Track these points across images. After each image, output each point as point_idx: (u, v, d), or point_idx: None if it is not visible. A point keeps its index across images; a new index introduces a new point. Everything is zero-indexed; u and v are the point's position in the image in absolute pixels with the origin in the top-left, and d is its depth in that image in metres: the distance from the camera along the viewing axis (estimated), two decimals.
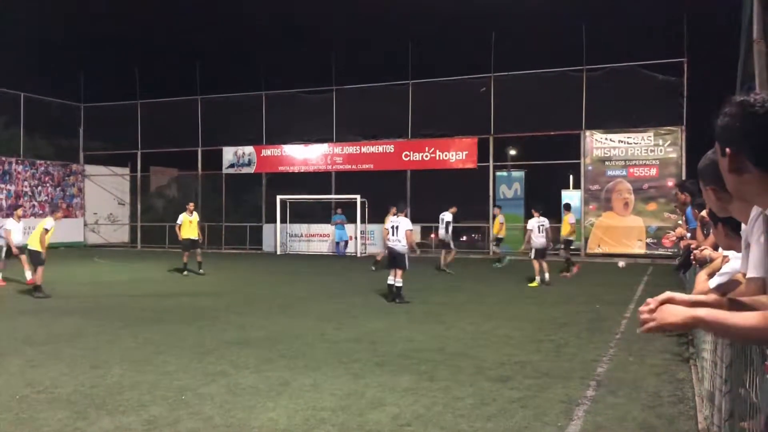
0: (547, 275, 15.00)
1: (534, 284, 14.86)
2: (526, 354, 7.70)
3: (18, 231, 14.41)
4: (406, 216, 12.61)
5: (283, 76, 36.29)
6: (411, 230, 12.41)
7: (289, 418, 5.26)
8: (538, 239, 15.11)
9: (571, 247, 18.74)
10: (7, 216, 16.30)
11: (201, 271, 17.20)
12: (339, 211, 26.03)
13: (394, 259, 12.27)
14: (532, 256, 15.25)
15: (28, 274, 13.81)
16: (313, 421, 5.18)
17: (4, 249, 14.77)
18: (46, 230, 12.80)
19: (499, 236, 20.78)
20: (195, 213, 17.78)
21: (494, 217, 21.29)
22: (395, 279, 12.13)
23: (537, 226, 15.25)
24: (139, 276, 17.57)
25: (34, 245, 12.82)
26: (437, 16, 46.61)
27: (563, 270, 17.44)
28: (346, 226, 25.73)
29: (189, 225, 17.43)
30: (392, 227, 12.36)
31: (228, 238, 29.39)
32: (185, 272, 17.13)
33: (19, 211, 15.30)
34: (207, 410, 5.44)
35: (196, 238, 17.60)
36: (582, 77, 23.87)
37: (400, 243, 12.23)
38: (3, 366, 6.97)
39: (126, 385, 6.18)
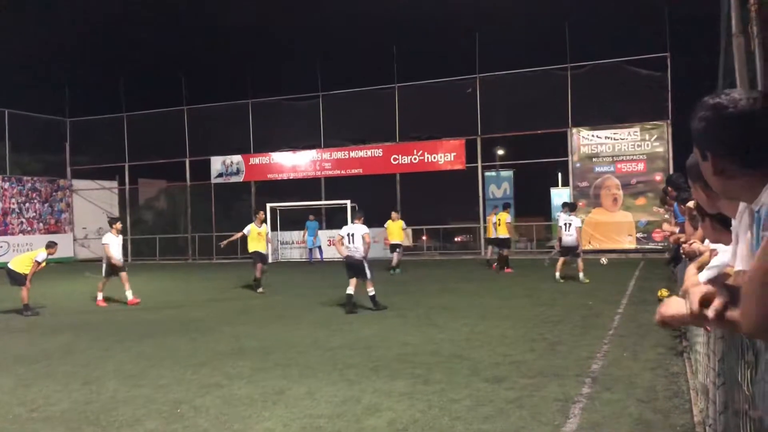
0: (581, 275, 14.93)
1: (587, 281, 14.82)
2: (520, 353, 7.70)
3: (117, 245, 13.71)
4: (363, 223, 11.95)
5: (269, 83, 36.30)
6: (368, 233, 11.82)
7: (286, 426, 5.24)
8: (566, 237, 15.20)
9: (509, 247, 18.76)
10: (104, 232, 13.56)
11: (260, 289, 15.18)
12: (311, 217, 26.00)
13: (351, 269, 11.66)
14: (561, 254, 15.53)
15: (129, 294, 13.52)
16: (309, 429, 5.16)
17: (105, 266, 13.68)
18: (38, 263, 12.56)
19: (395, 242, 19.46)
20: (264, 224, 16.48)
21: (393, 220, 19.65)
22: (354, 289, 11.55)
23: (564, 223, 15.31)
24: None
25: (19, 269, 12.61)
26: (421, 19, 46.72)
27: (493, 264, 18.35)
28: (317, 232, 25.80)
29: (258, 237, 15.66)
30: (348, 235, 11.72)
31: (219, 247, 29.24)
32: (260, 289, 15.14)
33: (118, 225, 14.03)
34: (202, 423, 5.41)
35: (265, 252, 16.12)
36: (567, 75, 24.00)
37: (358, 252, 11.61)
38: None
39: (120, 400, 6.14)
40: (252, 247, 15.72)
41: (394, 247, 19.57)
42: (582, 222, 15.85)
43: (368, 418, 5.39)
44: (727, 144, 1.58)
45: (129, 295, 13.56)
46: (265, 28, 49.26)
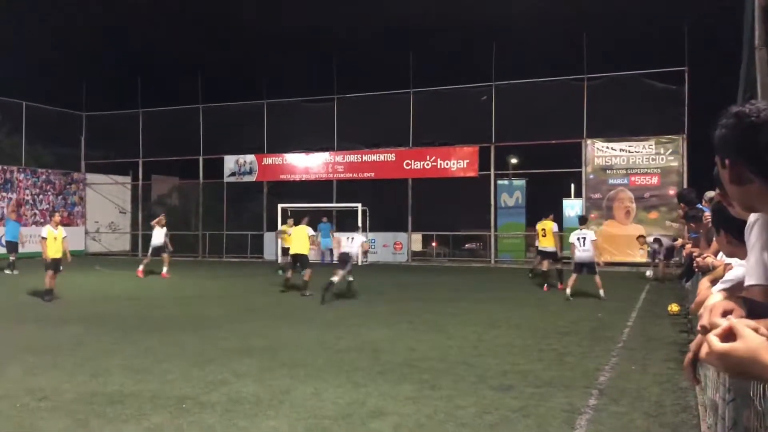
0: (601, 291, 13.75)
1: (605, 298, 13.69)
2: (528, 363, 7.67)
3: (159, 235, 18.92)
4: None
5: (285, 84, 36.41)
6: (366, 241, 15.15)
7: (291, 426, 5.24)
8: (582, 252, 13.98)
9: None
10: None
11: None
12: (324, 219, 25.82)
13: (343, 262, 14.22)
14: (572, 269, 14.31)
15: (164, 269, 18.64)
16: (315, 430, 5.16)
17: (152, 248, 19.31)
18: (63, 238, 13.63)
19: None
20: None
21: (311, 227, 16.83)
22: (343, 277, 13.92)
23: (578, 238, 14.08)
24: (140, 284, 17.54)
25: (55, 255, 13.48)
26: (438, 24, 46.80)
27: None
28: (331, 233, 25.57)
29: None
30: (348, 238, 14.68)
31: (229, 246, 29.39)
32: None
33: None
34: (208, 419, 5.42)
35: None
36: (583, 86, 23.92)
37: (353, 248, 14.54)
38: (3, 374, 6.96)
39: (127, 394, 6.16)
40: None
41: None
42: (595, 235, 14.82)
43: (373, 421, 5.38)
44: (746, 152, 1.58)
45: (164, 269, 18.73)
46: (282, 30, 49.49)
